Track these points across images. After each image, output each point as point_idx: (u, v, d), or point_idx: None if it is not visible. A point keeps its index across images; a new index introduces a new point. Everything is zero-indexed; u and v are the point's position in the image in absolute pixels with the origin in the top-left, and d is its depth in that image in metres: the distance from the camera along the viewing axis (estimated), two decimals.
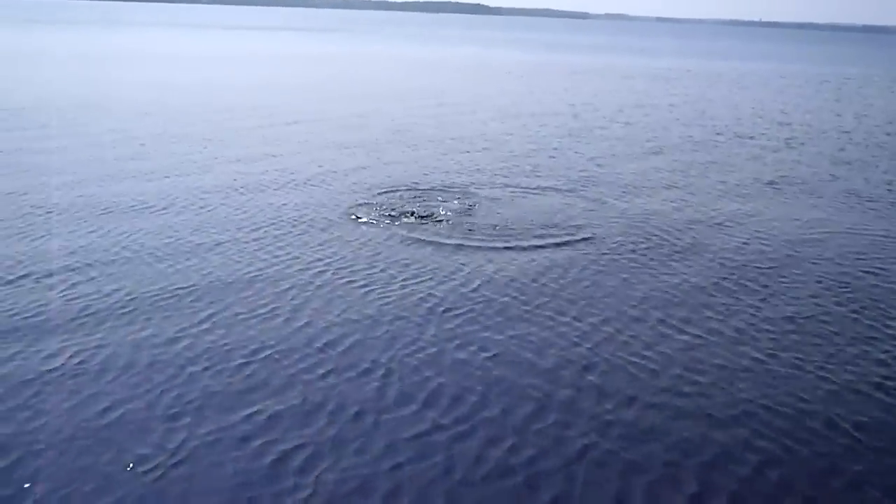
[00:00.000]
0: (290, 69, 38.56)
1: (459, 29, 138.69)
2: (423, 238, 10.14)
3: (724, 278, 9.12)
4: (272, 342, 6.96)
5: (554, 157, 16.46)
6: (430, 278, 8.70)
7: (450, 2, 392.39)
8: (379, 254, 9.47)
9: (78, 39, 58.05)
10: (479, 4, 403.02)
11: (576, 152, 17.04)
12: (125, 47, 51.58)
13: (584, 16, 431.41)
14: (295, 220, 10.80)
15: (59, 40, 56.56)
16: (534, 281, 8.78)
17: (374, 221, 10.85)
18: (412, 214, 11.18)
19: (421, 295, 8.19)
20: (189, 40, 64.52)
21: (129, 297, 7.77)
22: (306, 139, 17.44)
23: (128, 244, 9.49)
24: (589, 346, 7.17)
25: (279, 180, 13.25)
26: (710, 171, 15.60)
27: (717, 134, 20.82)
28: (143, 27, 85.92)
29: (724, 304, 8.30)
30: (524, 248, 9.99)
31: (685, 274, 9.24)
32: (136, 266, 8.70)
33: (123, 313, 7.40)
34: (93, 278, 8.26)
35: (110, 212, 10.92)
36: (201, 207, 11.36)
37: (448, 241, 10.06)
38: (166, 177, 13.21)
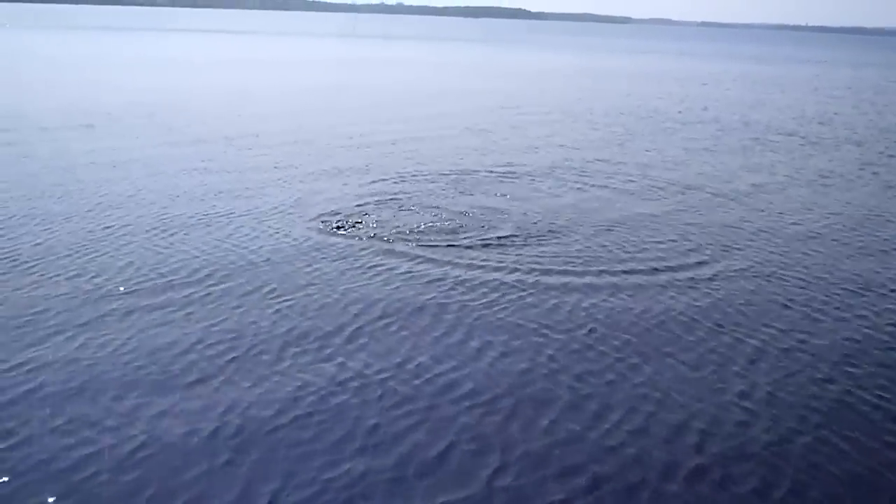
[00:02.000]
0: (359, 73, 38.69)
1: (508, 33, 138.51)
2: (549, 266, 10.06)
3: None
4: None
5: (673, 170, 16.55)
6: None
7: (491, 7, 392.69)
8: None
9: (136, 46, 59.17)
10: (520, 9, 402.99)
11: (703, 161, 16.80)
12: (187, 52, 52.51)
13: (626, 20, 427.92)
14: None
15: (117, 46, 57.73)
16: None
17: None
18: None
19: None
20: (241, 45, 65.43)
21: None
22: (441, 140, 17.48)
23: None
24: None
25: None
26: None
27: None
28: (196, 33, 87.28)
29: None
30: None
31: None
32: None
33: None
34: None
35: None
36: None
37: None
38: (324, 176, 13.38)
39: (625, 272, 9.71)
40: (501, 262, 9.89)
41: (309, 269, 9.40)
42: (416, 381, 6.73)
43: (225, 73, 38.88)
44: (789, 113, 28.77)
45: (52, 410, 6.09)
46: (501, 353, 7.30)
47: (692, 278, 9.61)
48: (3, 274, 8.91)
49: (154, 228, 10.93)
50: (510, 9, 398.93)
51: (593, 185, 15.01)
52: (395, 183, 14.37)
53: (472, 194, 13.73)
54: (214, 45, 66.66)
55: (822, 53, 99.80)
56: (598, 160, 17.57)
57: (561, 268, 9.76)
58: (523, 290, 8.91)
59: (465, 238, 10.89)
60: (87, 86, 29.29)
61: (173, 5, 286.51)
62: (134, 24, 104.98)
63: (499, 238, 10.90)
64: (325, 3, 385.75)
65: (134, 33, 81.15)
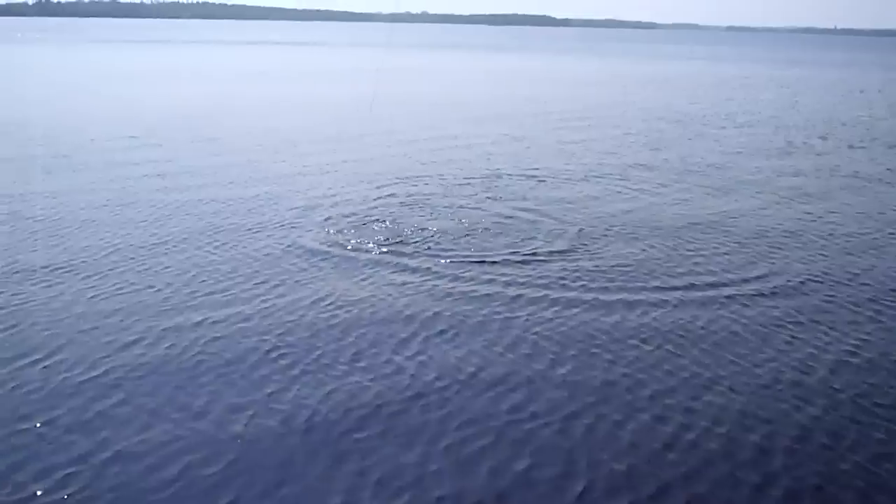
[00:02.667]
0: (393, 82, 38.78)
1: (534, 40, 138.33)
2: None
3: None
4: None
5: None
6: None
7: (517, 14, 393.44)
8: None
9: (166, 58, 60.01)
10: (545, 16, 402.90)
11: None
12: (219, 63, 53.13)
13: (651, 26, 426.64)
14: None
15: (149, 59, 58.57)
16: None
17: None
18: None
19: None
20: (274, 56, 66.07)
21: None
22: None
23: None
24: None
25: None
26: None
27: None
28: (224, 45, 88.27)
29: None
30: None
31: None
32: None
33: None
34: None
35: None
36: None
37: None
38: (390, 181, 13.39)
39: (686, 287, 9.47)
40: (554, 275, 9.71)
41: (364, 281, 9.34)
42: (489, 395, 6.65)
43: (260, 83, 39.21)
44: (822, 115, 28.51)
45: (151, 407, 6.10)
46: (572, 369, 7.19)
47: (758, 290, 9.38)
48: (68, 283, 8.99)
49: (204, 237, 11.02)
50: (535, 16, 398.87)
51: (635, 189, 14.96)
52: (437, 187, 14.42)
53: (510, 199, 13.70)
54: (246, 56, 67.33)
55: (851, 57, 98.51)
56: (638, 164, 17.55)
57: (619, 281, 9.55)
58: (582, 306, 8.71)
59: (515, 248, 10.77)
60: (126, 98, 29.68)
61: (195, 17, 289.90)
62: (161, 37, 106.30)
63: (549, 252, 10.66)
64: (350, 13, 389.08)
65: (161, 46, 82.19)
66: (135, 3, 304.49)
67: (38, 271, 9.48)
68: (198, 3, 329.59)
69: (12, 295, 8.64)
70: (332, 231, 11.35)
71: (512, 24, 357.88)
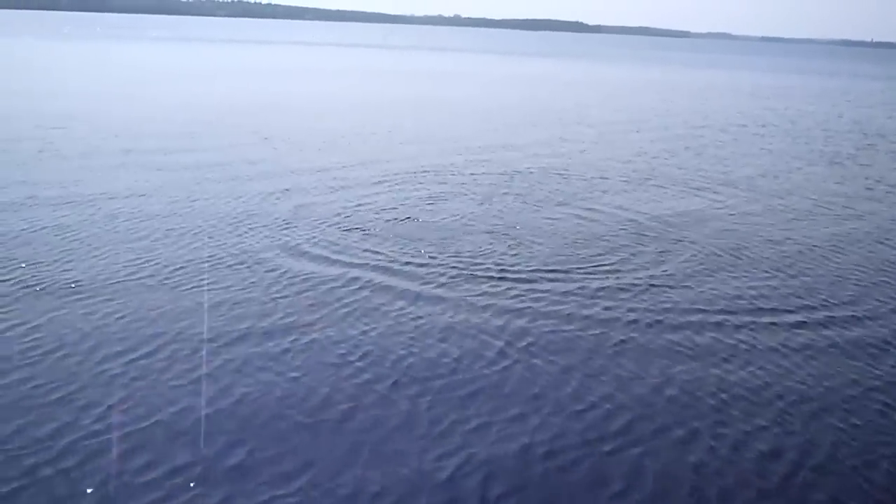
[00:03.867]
0: (431, 86, 39.18)
1: (568, 46, 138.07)
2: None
3: None
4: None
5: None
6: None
7: (549, 20, 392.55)
8: None
9: (208, 56, 60.87)
10: (578, 22, 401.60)
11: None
12: (262, 62, 53.89)
13: (684, 34, 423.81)
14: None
15: (191, 57, 59.42)
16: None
17: None
18: None
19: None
20: (313, 56, 66.74)
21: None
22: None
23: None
24: None
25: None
26: None
27: None
28: (270, 45, 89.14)
29: None
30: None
31: None
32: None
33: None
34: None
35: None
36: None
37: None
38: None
39: (791, 325, 8.55)
40: (628, 301, 9.01)
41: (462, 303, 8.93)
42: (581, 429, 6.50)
43: (304, 82, 39.77)
44: (865, 126, 28.46)
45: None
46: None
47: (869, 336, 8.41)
48: (129, 292, 9.00)
49: (274, 249, 11.36)
50: (568, 22, 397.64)
51: (696, 196, 15.02)
52: (482, 198, 14.64)
53: (567, 204, 13.91)
54: (287, 55, 68.07)
55: (889, 70, 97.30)
56: (698, 171, 17.60)
57: (700, 315, 8.71)
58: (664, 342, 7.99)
59: (579, 263, 10.40)
60: (177, 95, 30.25)
61: (230, 15, 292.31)
62: (198, 35, 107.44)
63: (619, 275, 9.98)
64: (383, 14, 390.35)
65: (204, 44, 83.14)
66: (170, 1, 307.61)
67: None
68: (233, 1, 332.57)
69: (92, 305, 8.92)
70: (407, 245, 11.00)
71: (544, 30, 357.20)
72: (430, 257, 10.28)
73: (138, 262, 9.70)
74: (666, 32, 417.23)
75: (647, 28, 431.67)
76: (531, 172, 16.79)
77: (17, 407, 6.16)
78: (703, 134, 24.85)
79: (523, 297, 8.95)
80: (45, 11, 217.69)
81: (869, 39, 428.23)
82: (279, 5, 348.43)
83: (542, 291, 9.18)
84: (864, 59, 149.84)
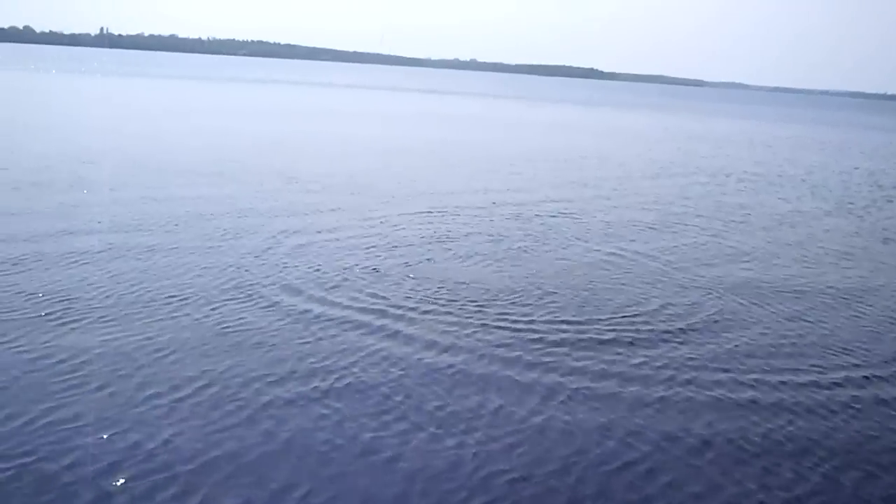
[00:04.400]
0: (458, 129, 39.59)
1: (583, 92, 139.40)
2: None
3: None
4: None
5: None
6: None
7: (564, 66, 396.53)
8: None
9: (232, 95, 61.84)
10: (592, 69, 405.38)
11: None
12: (287, 102, 54.71)
13: (699, 83, 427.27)
14: None
15: (218, 95, 60.35)
16: None
17: None
18: None
19: None
20: (332, 97, 67.68)
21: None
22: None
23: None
24: None
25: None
26: None
27: None
28: (290, 85, 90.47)
29: None
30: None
31: None
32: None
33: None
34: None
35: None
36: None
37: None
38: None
39: (833, 381, 8.46)
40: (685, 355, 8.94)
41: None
42: None
43: (327, 122, 40.28)
44: (879, 178, 28.53)
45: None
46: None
47: None
48: (165, 327, 9.25)
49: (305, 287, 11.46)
50: (582, 68, 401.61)
51: (718, 243, 15.06)
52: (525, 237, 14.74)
53: (590, 248, 13.97)
54: (310, 96, 69.01)
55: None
56: (717, 218, 17.66)
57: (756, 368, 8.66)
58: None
59: (610, 312, 10.35)
60: (204, 134, 30.69)
61: (250, 54, 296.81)
62: (226, 75, 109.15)
63: (650, 324, 9.90)
64: (400, 57, 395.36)
65: (227, 84, 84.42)
66: (193, 39, 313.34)
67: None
68: (252, 41, 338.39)
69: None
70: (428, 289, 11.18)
71: (559, 76, 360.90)
72: (459, 307, 10.27)
73: (175, 297, 9.80)
74: (680, 81, 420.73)
75: (661, 76, 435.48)
76: (554, 216, 16.92)
77: (62, 446, 6.18)
78: (722, 182, 24.98)
79: (556, 348, 8.95)
80: (71, 47, 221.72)
81: (883, 92, 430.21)
82: (299, 46, 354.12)
83: (575, 342, 9.16)
84: (878, 112, 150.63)
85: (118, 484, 5.73)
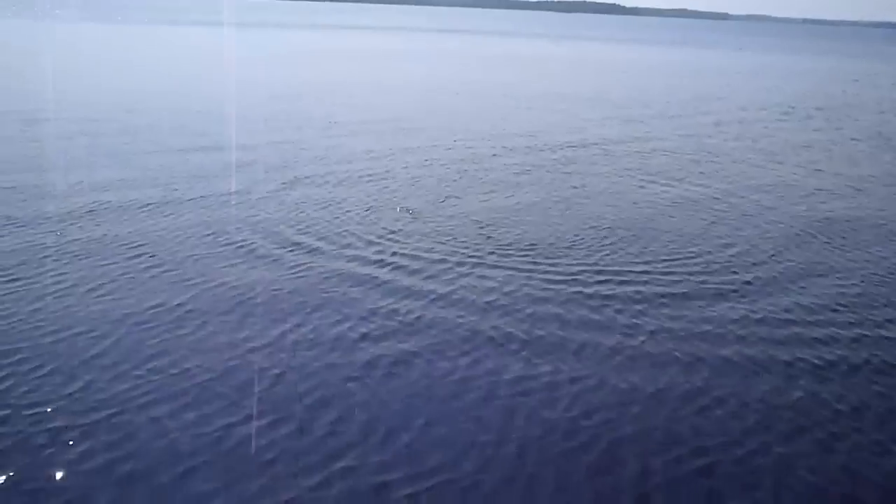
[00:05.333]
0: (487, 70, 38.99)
1: (611, 29, 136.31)
2: None
3: None
4: None
5: None
6: None
7: (584, 1, 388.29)
8: None
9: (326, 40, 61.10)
10: (614, 4, 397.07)
11: None
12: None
13: (724, 16, 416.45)
14: None
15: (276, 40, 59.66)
16: None
17: None
18: None
19: None
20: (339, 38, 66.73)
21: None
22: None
23: None
24: None
25: None
26: None
27: None
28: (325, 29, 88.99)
29: None
30: None
31: None
32: None
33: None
34: None
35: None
36: None
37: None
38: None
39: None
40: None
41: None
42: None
43: (342, 64, 39.80)
44: None
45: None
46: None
47: None
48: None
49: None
50: (604, 3, 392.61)
51: (767, 179, 14.77)
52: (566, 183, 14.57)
53: (641, 186, 13.80)
54: (323, 38, 68.03)
55: None
56: (768, 154, 17.33)
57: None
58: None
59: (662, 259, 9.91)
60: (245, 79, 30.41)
61: None
62: (264, 20, 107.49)
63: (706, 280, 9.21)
64: None
65: (271, 29, 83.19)
66: None
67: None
68: None
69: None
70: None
71: (580, 12, 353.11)
72: (520, 254, 10.09)
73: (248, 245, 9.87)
74: (705, 15, 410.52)
75: (684, 10, 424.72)
76: (606, 154, 16.73)
77: (171, 390, 6.32)
78: (764, 117, 24.51)
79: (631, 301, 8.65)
80: None
81: None
82: None
83: (657, 293, 8.67)
84: None
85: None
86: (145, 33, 59.40)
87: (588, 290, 8.64)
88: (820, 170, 16.42)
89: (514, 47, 64.56)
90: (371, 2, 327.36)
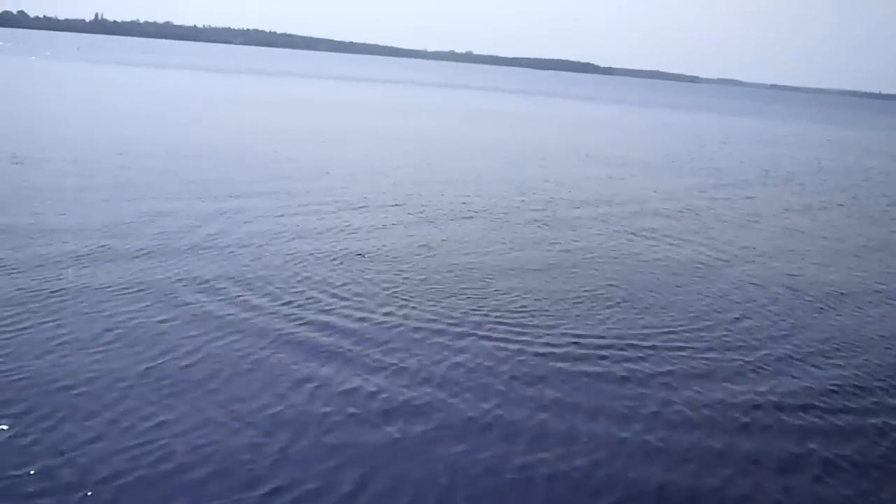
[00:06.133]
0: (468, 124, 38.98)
1: (588, 87, 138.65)
2: None
3: None
4: None
5: None
6: None
7: (561, 60, 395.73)
8: None
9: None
10: (589, 63, 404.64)
11: None
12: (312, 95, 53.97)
13: (694, 79, 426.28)
14: None
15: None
16: None
17: None
18: None
19: None
20: (332, 89, 66.93)
21: None
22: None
23: None
24: None
25: None
26: None
27: None
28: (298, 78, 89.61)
29: None
30: None
31: None
32: None
33: None
34: None
35: None
36: None
37: None
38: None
39: None
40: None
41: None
42: None
43: (330, 115, 39.62)
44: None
45: None
46: None
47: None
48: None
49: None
50: (579, 62, 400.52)
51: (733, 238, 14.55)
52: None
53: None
54: (322, 89, 68.23)
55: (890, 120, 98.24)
56: (735, 209, 17.14)
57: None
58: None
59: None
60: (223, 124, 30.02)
61: (246, 43, 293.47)
62: (226, 67, 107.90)
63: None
64: (396, 48, 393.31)
65: (232, 75, 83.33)
66: (188, 27, 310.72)
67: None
68: (248, 30, 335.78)
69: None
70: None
71: (556, 69, 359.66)
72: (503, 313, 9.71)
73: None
74: (676, 77, 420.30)
75: (657, 72, 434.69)
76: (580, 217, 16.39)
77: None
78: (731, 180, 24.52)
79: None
80: (60, 33, 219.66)
81: (877, 91, 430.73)
82: (295, 35, 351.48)
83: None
84: (874, 110, 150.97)
85: None
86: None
87: (573, 368, 8.06)
88: (800, 231, 16.37)
89: (495, 103, 64.86)
90: (353, 52, 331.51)
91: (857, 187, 25.45)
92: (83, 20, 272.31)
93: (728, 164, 28.99)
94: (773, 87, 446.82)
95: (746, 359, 8.59)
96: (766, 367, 8.41)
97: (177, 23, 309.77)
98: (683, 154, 32.02)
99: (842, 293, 11.73)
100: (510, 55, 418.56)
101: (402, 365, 7.73)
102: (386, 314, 9.10)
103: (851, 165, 33.60)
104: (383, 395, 7.06)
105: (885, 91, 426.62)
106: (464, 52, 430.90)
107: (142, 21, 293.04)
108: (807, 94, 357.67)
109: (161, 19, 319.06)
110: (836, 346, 9.26)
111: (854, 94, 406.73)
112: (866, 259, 14.55)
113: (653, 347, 8.69)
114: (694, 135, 45.27)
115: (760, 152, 36.36)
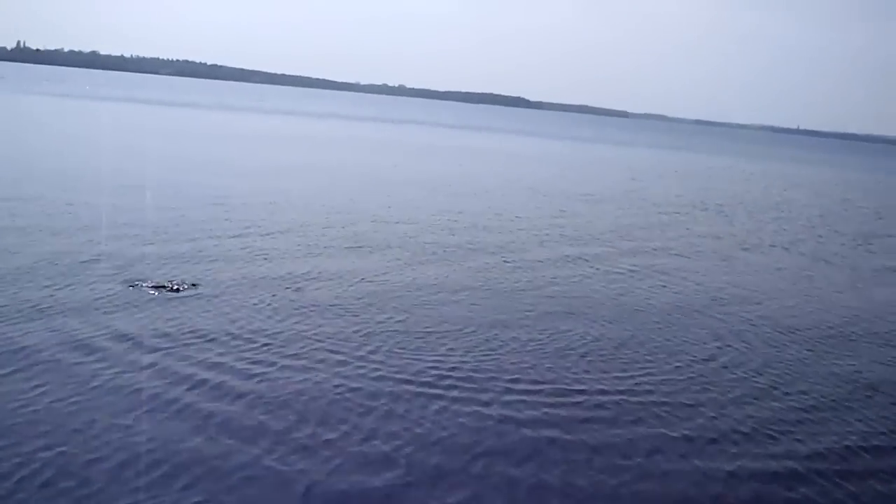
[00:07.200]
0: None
1: (518, 122, 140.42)
2: None
3: None
4: None
5: None
6: None
7: (492, 94, 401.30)
8: None
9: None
10: (519, 97, 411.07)
11: None
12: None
13: (623, 114, 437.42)
14: None
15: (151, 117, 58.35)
16: None
17: None
18: None
19: None
20: (271, 122, 66.17)
21: None
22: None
23: None
24: None
25: None
26: None
27: None
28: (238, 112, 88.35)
29: None
30: None
31: None
32: None
33: None
34: None
35: None
36: None
37: None
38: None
39: None
40: None
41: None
42: None
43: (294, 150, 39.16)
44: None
45: None
46: None
47: None
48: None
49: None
50: (509, 97, 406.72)
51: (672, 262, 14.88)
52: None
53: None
54: (258, 122, 67.43)
55: (812, 155, 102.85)
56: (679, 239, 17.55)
57: None
58: None
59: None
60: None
61: (175, 74, 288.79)
62: (152, 97, 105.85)
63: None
64: (329, 81, 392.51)
65: (155, 107, 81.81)
66: (115, 57, 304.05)
67: None
68: (178, 60, 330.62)
69: None
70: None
71: (487, 103, 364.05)
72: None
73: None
74: (605, 112, 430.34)
75: (586, 107, 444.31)
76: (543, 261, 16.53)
77: None
78: (677, 210, 25.20)
79: None
80: None
81: (795, 126, 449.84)
82: (225, 67, 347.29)
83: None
84: (793, 145, 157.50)
85: None
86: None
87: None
88: (735, 258, 16.76)
89: (435, 137, 64.96)
90: (286, 84, 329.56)
91: (781, 219, 26.40)
92: (4, 48, 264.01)
93: (666, 198, 29.73)
94: (698, 121, 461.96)
95: (690, 399, 8.64)
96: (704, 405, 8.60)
97: (103, 52, 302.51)
98: (621, 187, 32.74)
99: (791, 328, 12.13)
100: (442, 89, 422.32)
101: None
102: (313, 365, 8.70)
103: (776, 196, 34.92)
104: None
105: (802, 127, 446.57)
106: (396, 85, 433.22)
107: (66, 50, 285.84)
108: (729, 128, 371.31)
109: (87, 48, 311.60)
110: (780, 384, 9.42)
111: (773, 129, 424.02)
112: (800, 286, 15.16)
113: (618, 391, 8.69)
114: (628, 167, 46.41)
115: (692, 185, 37.48)
